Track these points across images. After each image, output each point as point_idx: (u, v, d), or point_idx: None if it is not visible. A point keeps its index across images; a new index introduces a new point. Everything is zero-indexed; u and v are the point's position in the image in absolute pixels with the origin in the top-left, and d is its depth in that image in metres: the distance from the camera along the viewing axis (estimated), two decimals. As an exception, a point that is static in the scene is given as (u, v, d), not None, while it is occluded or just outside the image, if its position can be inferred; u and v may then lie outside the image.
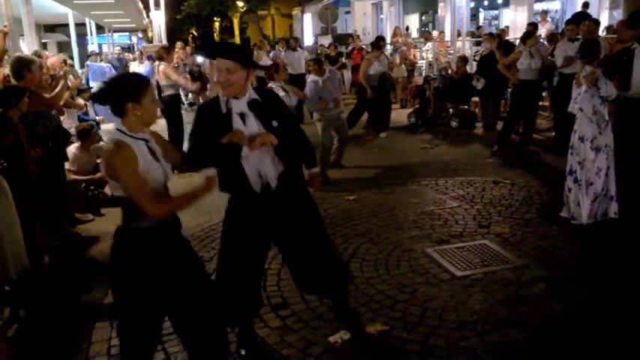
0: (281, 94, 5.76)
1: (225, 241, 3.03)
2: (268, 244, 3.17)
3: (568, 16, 14.25)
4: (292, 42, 14.23)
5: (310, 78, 6.89)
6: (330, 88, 6.83)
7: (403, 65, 13.65)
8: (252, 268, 3.04)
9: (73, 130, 6.39)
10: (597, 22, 8.62)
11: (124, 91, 2.35)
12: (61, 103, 5.64)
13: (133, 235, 2.39)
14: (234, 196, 3.01)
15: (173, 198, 2.47)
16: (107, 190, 6.39)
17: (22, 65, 4.75)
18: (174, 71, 8.40)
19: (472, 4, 18.23)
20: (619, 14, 11.97)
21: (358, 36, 18.12)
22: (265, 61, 12.07)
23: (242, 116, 2.80)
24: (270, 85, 6.44)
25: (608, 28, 10.04)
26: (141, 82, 2.41)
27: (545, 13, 14.68)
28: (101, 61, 14.66)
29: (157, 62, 8.48)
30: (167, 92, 8.19)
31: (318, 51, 16.46)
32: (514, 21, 14.98)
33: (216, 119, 2.81)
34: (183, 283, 2.48)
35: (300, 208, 3.10)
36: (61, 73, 5.47)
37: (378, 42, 9.94)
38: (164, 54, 8.26)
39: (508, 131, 8.16)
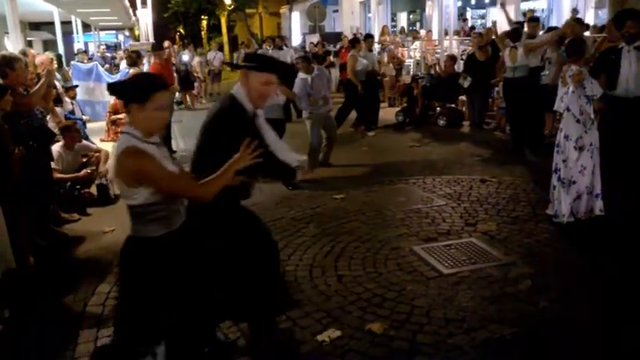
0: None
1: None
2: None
3: (554, 15, 14.38)
4: (278, 40, 14.21)
5: (299, 76, 6.91)
6: (319, 85, 6.88)
7: (391, 64, 13.67)
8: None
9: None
10: (582, 22, 8.68)
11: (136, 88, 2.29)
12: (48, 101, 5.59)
13: (145, 244, 2.34)
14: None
15: (212, 178, 2.37)
16: (93, 189, 6.35)
17: (3, 63, 4.70)
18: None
19: (459, 3, 18.27)
20: (604, 13, 12.07)
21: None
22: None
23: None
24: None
25: (602, 28, 10.05)
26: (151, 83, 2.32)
27: (531, 12, 14.75)
28: (90, 59, 14.50)
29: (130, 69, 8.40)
30: None
31: (307, 49, 16.44)
32: (501, 20, 15.02)
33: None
34: (192, 286, 2.44)
35: None
36: (44, 72, 5.42)
37: (358, 39, 10.03)
38: (137, 59, 8.20)
39: (517, 131, 7.90)
